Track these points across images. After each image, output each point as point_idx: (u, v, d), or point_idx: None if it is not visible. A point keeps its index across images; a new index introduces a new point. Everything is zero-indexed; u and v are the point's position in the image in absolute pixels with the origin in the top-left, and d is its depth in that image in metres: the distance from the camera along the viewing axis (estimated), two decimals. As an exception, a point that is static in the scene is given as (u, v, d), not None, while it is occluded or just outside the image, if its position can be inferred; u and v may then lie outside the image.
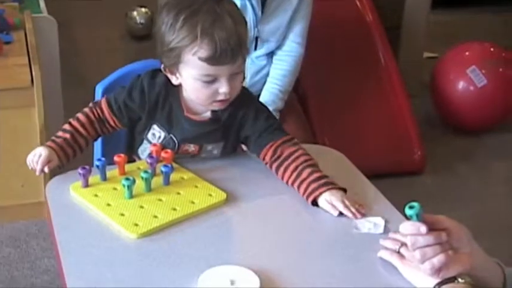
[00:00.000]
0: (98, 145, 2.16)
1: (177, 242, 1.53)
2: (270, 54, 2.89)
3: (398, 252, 1.47)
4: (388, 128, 3.59)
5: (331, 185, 1.68)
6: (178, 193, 1.69)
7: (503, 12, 5.52)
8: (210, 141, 1.84)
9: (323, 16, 3.63)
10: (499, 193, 3.45)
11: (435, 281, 1.35)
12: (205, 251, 1.51)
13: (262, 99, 2.70)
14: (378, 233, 1.58)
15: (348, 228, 1.61)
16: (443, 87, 3.89)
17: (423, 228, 1.33)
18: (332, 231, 1.61)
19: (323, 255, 1.53)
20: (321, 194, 1.67)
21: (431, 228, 1.34)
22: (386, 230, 1.58)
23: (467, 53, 3.92)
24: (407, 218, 1.36)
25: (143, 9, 5.04)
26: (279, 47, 2.87)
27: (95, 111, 1.86)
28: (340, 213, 1.64)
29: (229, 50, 1.66)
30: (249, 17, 2.71)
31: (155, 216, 1.60)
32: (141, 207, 1.63)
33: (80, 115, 1.86)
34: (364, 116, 3.60)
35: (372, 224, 1.60)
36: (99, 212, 1.62)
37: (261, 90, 2.82)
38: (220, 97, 1.74)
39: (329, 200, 1.66)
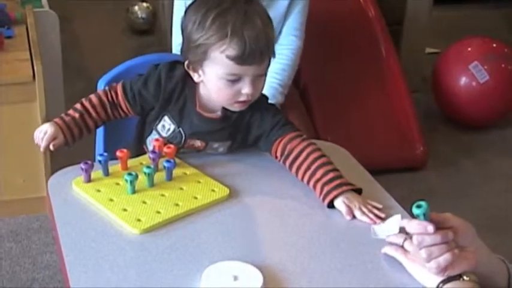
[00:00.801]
0: (100, 140, 2.16)
1: (180, 238, 1.53)
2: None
3: (402, 246, 1.46)
4: (390, 123, 3.58)
5: (345, 186, 1.66)
6: (181, 188, 1.69)
7: (506, 7, 5.51)
8: (217, 139, 1.84)
9: (325, 12, 3.64)
10: (501, 188, 3.45)
11: (440, 278, 1.35)
12: (208, 247, 1.51)
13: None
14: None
15: (353, 224, 1.60)
16: (446, 82, 3.89)
17: (430, 228, 1.32)
18: (337, 227, 1.61)
19: (327, 252, 1.52)
20: (337, 196, 1.65)
21: (438, 227, 1.34)
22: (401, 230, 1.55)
23: (469, 49, 3.91)
24: (414, 216, 1.35)
25: (144, 4, 5.04)
26: (276, 40, 2.86)
27: (109, 94, 1.86)
28: (354, 217, 1.63)
29: (258, 51, 1.67)
30: None
31: (158, 212, 1.59)
32: (144, 202, 1.63)
33: (92, 96, 1.87)
34: (366, 112, 3.60)
35: (389, 227, 1.54)
36: (101, 207, 1.61)
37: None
38: (242, 98, 1.73)
39: (347, 204, 1.64)
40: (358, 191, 1.68)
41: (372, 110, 3.61)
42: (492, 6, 5.54)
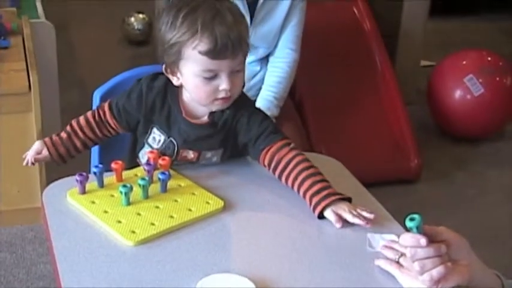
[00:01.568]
0: (95, 152, 2.16)
1: (174, 250, 1.53)
2: (264, 60, 2.89)
3: (397, 262, 1.46)
4: (384, 136, 3.59)
5: (333, 196, 1.67)
6: (176, 200, 1.69)
7: (501, 20, 5.54)
8: (209, 147, 1.84)
9: (321, 24, 3.65)
10: (495, 201, 3.45)
11: (433, 291, 1.36)
12: (202, 259, 1.51)
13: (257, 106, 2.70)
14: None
15: (346, 236, 1.61)
16: (440, 95, 3.90)
17: (423, 241, 1.33)
18: (330, 239, 1.61)
19: (321, 264, 1.52)
20: (325, 207, 1.65)
21: (431, 240, 1.34)
22: None
23: (464, 62, 3.93)
24: (407, 229, 1.36)
25: (141, 15, 5.05)
26: (272, 53, 2.87)
27: (96, 114, 1.91)
28: (346, 222, 1.63)
29: (230, 44, 1.68)
30: None
31: (152, 224, 1.59)
32: (138, 214, 1.63)
33: (81, 118, 1.92)
34: (361, 124, 3.61)
35: (386, 242, 1.54)
36: (96, 219, 1.61)
37: (255, 96, 2.82)
38: (221, 94, 1.74)
39: (335, 212, 1.64)
40: (348, 200, 1.68)
41: (366, 122, 3.62)
42: (487, 19, 5.57)
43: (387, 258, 1.48)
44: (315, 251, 1.57)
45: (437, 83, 3.93)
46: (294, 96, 3.41)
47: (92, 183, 1.72)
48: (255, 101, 2.77)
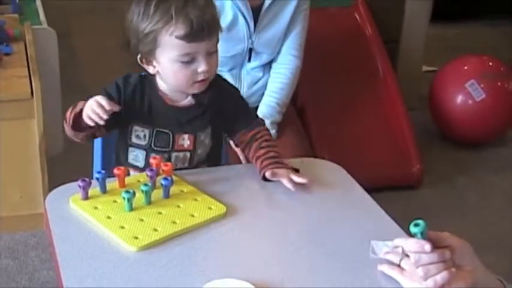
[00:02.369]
0: (97, 157, 2.17)
1: (177, 255, 1.53)
2: (267, 66, 2.90)
3: (399, 265, 1.46)
4: (386, 141, 3.59)
5: (281, 164, 1.81)
6: (178, 206, 1.69)
7: (502, 25, 5.54)
8: (201, 127, 1.88)
9: (322, 29, 3.65)
10: (497, 206, 3.45)
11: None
12: (205, 265, 1.51)
13: (259, 112, 2.71)
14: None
15: (349, 242, 1.61)
16: (442, 100, 3.90)
17: (427, 247, 1.33)
18: (334, 244, 1.61)
19: (324, 269, 1.52)
20: (268, 168, 1.79)
21: (435, 246, 1.34)
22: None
23: (465, 67, 3.92)
24: (411, 235, 1.36)
25: (143, 21, 5.04)
26: (275, 59, 2.87)
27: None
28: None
29: (205, 25, 1.74)
30: (242, 28, 2.72)
31: (155, 229, 1.60)
32: (141, 220, 1.63)
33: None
34: (363, 129, 3.61)
35: (389, 249, 1.51)
36: (99, 225, 1.62)
37: (258, 102, 2.82)
38: (200, 77, 1.79)
39: (275, 173, 1.78)
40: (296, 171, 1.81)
41: (368, 128, 3.61)
42: (489, 25, 5.57)
43: (390, 263, 1.48)
44: (317, 256, 1.57)
45: (439, 88, 3.93)
46: (296, 102, 3.41)
47: (94, 189, 1.72)
48: (257, 107, 2.77)
